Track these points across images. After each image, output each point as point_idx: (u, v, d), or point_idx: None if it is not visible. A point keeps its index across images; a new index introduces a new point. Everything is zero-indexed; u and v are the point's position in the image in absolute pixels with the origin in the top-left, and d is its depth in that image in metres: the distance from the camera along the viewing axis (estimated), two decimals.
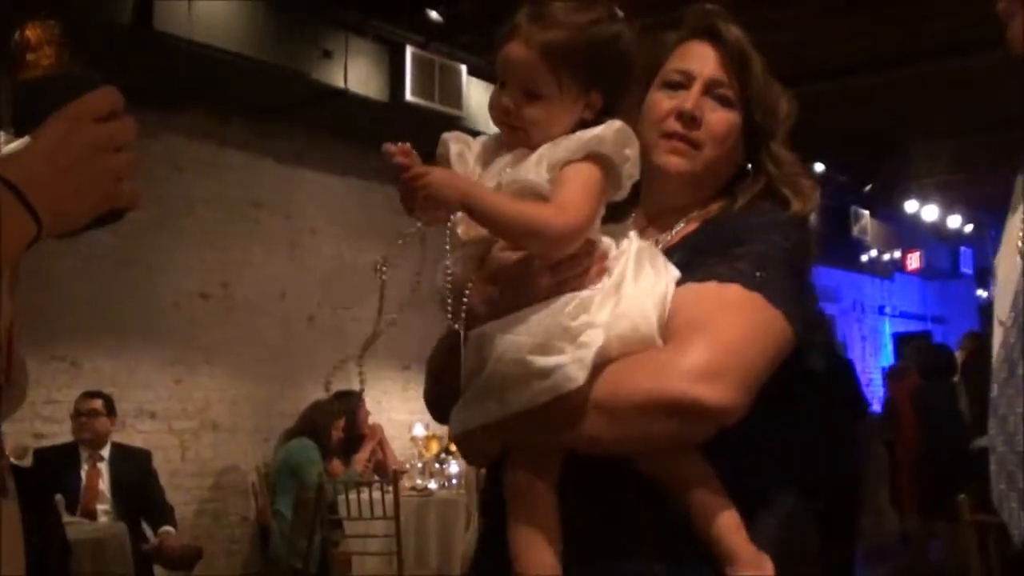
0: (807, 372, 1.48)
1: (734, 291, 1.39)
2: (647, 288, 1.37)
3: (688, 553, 1.34)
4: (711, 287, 1.40)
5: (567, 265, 1.37)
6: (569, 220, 1.34)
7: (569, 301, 1.34)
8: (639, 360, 1.33)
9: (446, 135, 1.47)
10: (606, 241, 1.42)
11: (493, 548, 1.43)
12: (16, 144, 1.09)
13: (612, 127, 1.40)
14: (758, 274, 1.41)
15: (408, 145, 1.32)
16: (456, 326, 1.37)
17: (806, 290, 1.50)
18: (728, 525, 1.33)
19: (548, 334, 1.31)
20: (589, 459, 1.36)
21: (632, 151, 1.42)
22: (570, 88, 1.40)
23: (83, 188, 1.06)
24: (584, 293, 1.35)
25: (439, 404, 1.51)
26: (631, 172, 1.43)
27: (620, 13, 1.44)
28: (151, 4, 5.64)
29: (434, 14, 6.72)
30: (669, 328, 1.36)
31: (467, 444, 1.45)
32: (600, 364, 1.32)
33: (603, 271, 1.39)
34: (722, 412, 1.29)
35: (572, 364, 1.30)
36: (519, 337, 1.32)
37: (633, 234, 1.47)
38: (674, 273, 1.42)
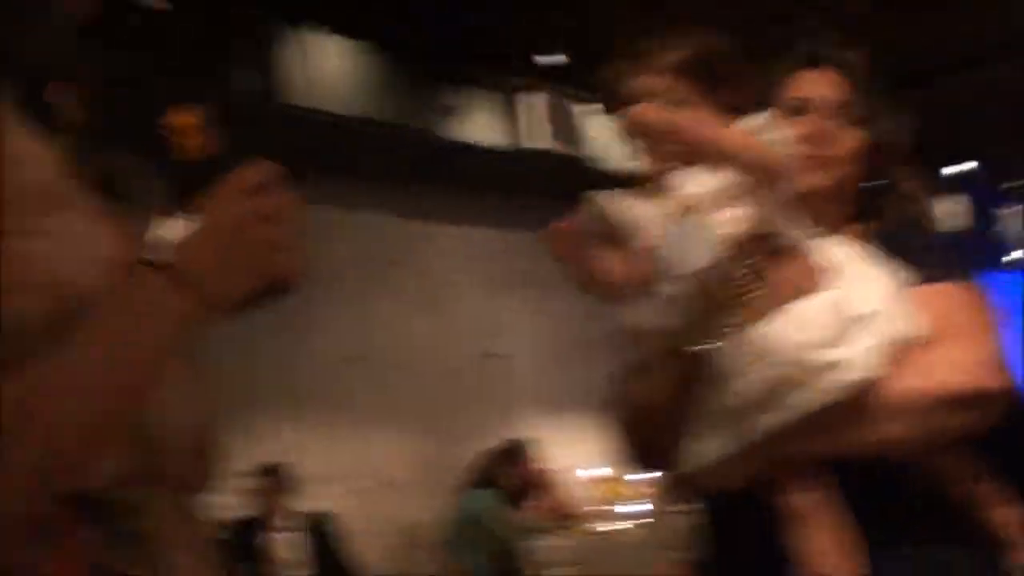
0: None
1: (970, 292, 1.46)
2: (890, 288, 1.39)
3: (973, 538, 1.38)
4: (950, 288, 1.45)
5: (808, 269, 1.38)
6: (778, 155, 1.37)
7: (836, 296, 1.34)
8: (927, 356, 1.35)
9: (593, 194, 1.43)
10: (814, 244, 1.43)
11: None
12: (173, 226, 1.11)
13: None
14: (969, 278, 1.48)
15: (560, 224, 1.39)
16: (719, 344, 1.34)
17: None
18: (1009, 513, 1.37)
19: (829, 326, 1.30)
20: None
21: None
22: None
23: (240, 262, 1.06)
24: (838, 292, 1.35)
25: (655, 448, 1.47)
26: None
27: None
28: (270, 78, 5.85)
29: (549, 59, 6.74)
30: (935, 326, 1.38)
31: (711, 474, 1.39)
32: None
33: (827, 270, 1.39)
34: (1009, 398, 1.35)
35: (862, 354, 1.30)
36: (796, 334, 1.30)
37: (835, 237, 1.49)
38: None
